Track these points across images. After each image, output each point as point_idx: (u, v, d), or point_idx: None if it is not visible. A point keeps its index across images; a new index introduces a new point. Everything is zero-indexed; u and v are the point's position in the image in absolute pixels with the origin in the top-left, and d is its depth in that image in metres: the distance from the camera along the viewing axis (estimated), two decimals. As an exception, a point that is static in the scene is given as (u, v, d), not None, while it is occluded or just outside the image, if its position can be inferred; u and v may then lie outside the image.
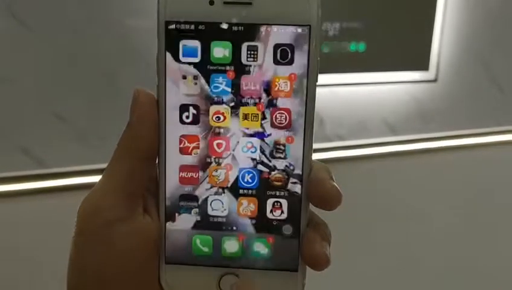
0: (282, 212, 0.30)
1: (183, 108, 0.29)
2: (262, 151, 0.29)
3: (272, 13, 0.28)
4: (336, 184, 0.29)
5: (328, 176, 0.29)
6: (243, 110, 0.29)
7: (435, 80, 1.19)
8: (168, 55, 0.28)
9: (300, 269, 0.30)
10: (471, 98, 1.26)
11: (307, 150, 0.29)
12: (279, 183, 0.29)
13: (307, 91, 0.29)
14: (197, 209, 0.30)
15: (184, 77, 0.29)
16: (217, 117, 0.29)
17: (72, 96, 0.93)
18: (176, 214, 0.30)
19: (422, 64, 1.17)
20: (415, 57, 1.17)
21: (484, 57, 1.24)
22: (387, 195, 1.24)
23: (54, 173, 0.91)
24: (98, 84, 0.94)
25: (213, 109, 0.29)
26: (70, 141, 0.92)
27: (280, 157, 0.29)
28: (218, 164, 0.30)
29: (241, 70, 0.28)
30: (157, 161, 0.30)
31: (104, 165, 0.29)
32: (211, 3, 0.28)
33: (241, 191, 0.30)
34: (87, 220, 0.28)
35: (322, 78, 1.10)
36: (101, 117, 0.94)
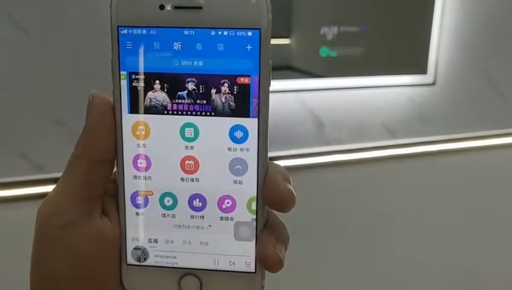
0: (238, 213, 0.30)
1: None
2: None
3: (222, 17, 0.28)
4: (290, 186, 0.29)
5: (282, 178, 0.29)
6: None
7: (433, 84, 1.19)
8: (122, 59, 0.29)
9: (258, 271, 0.30)
10: (470, 101, 1.26)
11: (262, 152, 0.29)
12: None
13: (259, 94, 0.29)
14: None
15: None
16: None
17: (71, 102, 0.94)
18: (135, 215, 0.30)
19: (420, 67, 1.17)
20: (413, 60, 1.18)
21: (482, 60, 1.25)
22: (387, 198, 1.24)
23: (54, 178, 0.91)
24: (97, 89, 0.94)
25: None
26: (69, 146, 0.93)
27: None
28: None
29: (194, 74, 0.29)
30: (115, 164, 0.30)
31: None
32: (161, 7, 0.28)
33: None
34: (45, 223, 0.29)
35: (321, 82, 1.12)
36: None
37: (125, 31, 0.29)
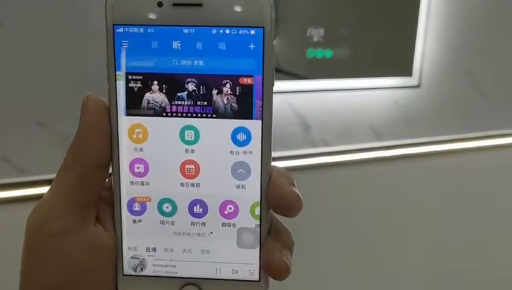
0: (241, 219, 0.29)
1: None
2: None
3: (223, 15, 0.27)
4: (295, 189, 0.28)
5: (287, 181, 0.28)
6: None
7: (418, 86, 1.20)
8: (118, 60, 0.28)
9: (262, 279, 0.29)
10: (454, 103, 1.27)
11: (265, 155, 0.28)
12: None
13: (263, 95, 0.28)
14: None
15: None
16: None
17: (52, 103, 0.91)
18: (132, 223, 0.29)
19: (405, 70, 1.18)
20: (398, 63, 1.18)
21: (467, 62, 1.26)
22: (373, 200, 1.24)
23: (36, 181, 0.89)
24: (79, 90, 0.92)
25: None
26: (51, 148, 0.90)
27: None
28: None
29: (194, 74, 0.28)
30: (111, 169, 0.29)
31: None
32: (160, 4, 0.27)
33: None
34: (35, 232, 0.27)
35: (307, 84, 1.11)
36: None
37: (121, 30, 0.27)
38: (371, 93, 1.17)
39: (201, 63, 0.28)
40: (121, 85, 0.28)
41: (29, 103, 0.90)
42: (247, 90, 0.28)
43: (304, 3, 1.08)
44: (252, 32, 0.27)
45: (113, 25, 0.27)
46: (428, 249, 1.33)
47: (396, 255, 1.30)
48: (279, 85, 1.06)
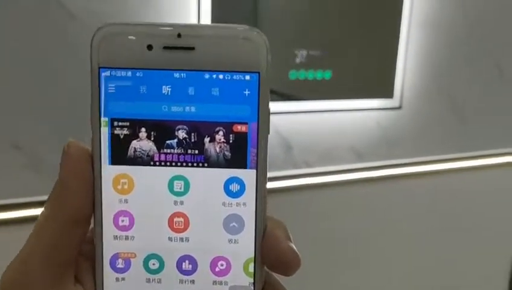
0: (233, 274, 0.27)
1: None
2: None
3: (217, 59, 0.25)
4: (292, 245, 0.26)
5: (284, 235, 0.26)
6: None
7: (399, 107, 1.21)
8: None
9: None
10: (435, 124, 1.28)
11: (260, 207, 0.27)
12: None
13: (258, 143, 0.26)
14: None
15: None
16: None
17: (28, 125, 0.88)
18: (115, 281, 0.27)
19: (387, 92, 1.18)
20: (379, 84, 1.19)
21: (446, 84, 1.27)
22: (355, 221, 1.23)
23: (10, 204, 0.86)
24: (56, 111, 0.89)
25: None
26: (26, 171, 0.87)
27: None
28: None
29: (185, 120, 0.26)
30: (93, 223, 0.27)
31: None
32: (150, 47, 0.25)
33: None
34: None
35: (290, 105, 1.10)
36: (60, 147, 0.89)
37: (108, 73, 0.25)
38: (352, 114, 1.17)
39: (192, 109, 0.26)
40: (105, 132, 0.26)
41: (4, 124, 0.86)
42: (241, 138, 0.26)
43: (286, 24, 1.08)
44: (247, 77, 0.26)
45: (99, 68, 0.25)
46: (412, 269, 1.33)
47: (380, 275, 1.29)
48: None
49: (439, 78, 1.26)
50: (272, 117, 0.93)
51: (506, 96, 1.37)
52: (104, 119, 0.26)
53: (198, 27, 0.26)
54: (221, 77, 0.26)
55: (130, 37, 0.25)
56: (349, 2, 1.11)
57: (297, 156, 1.13)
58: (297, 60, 1.08)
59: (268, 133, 0.27)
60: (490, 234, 1.42)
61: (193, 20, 0.96)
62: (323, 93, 1.13)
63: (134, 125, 0.26)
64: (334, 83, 1.13)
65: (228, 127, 0.26)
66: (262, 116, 0.26)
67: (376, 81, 1.18)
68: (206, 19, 0.96)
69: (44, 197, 0.26)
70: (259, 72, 0.26)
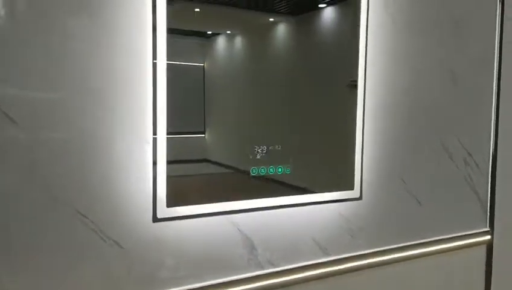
0: None
1: None
2: None
3: None
4: None
5: None
6: None
7: (360, 198, 1.20)
8: None
9: None
10: (393, 212, 1.29)
11: None
12: None
13: None
14: None
15: None
16: None
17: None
18: None
19: (347, 184, 1.18)
20: (339, 177, 1.18)
21: (402, 173, 1.29)
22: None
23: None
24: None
25: None
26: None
27: None
28: None
29: None
30: None
31: None
32: None
33: None
34: None
35: (252, 203, 1.06)
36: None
37: None
38: (314, 207, 1.15)
39: None
40: None
41: None
42: None
43: (246, 125, 1.06)
44: None
45: None
46: None
47: None
48: (222, 205, 1.01)
49: (394, 168, 1.28)
50: (233, 216, 0.87)
51: (456, 178, 1.41)
52: None
53: None
54: None
55: None
56: (306, 103, 1.13)
57: (260, 256, 1.08)
58: (258, 156, 1.06)
59: None
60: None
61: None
62: (285, 188, 1.10)
63: None
64: (296, 177, 1.11)
65: None
66: None
67: (337, 174, 1.18)
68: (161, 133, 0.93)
69: None
70: None
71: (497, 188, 1.50)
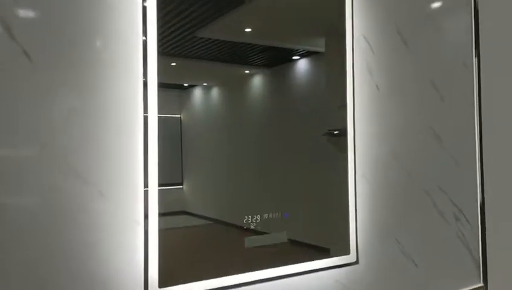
0: None
1: None
2: None
3: None
4: None
5: None
6: None
7: (356, 262, 1.15)
8: None
9: None
10: (390, 274, 1.25)
11: None
12: None
13: None
14: None
15: None
16: None
17: None
18: None
19: (343, 249, 1.13)
20: (335, 242, 1.14)
21: (396, 235, 1.26)
22: None
23: None
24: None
25: None
26: None
27: None
28: None
29: None
30: None
31: None
32: None
33: None
34: None
35: (247, 276, 1.00)
36: None
37: None
38: (311, 276, 1.10)
39: None
40: None
41: None
42: None
43: (238, 194, 1.03)
44: None
45: None
46: None
47: None
48: (218, 281, 0.94)
49: (389, 230, 1.25)
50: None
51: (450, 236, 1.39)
52: None
53: None
54: None
55: None
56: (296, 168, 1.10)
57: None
58: (252, 225, 1.01)
59: None
60: None
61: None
62: (279, 257, 1.05)
63: None
64: (291, 245, 1.06)
65: None
66: None
67: (332, 239, 1.14)
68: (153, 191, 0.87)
69: None
70: None
71: (488, 241, 1.48)
